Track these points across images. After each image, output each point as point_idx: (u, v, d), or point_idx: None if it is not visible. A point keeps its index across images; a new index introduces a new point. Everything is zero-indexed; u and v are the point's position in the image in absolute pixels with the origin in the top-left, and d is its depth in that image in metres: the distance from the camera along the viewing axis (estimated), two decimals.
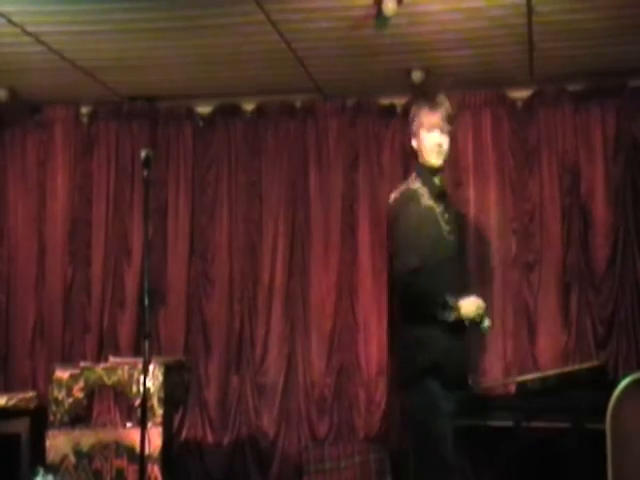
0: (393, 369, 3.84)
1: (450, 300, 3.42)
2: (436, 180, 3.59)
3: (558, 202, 5.54)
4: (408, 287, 3.48)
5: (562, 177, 5.56)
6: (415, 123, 3.59)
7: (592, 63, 5.25)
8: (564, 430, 4.20)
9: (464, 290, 3.57)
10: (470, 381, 3.66)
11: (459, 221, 3.71)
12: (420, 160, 3.62)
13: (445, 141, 3.55)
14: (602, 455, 3.47)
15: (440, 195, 3.57)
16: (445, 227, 3.53)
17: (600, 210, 5.47)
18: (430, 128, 3.52)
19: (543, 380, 4.62)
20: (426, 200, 3.52)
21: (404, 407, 4.31)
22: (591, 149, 5.53)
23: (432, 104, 3.57)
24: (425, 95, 3.72)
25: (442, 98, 3.60)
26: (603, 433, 3.49)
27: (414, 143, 3.62)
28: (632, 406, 3.48)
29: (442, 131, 3.53)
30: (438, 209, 3.53)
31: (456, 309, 3.42)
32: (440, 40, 4.89)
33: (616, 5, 4.42)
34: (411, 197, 3.53)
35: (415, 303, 3.50)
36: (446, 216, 3.55)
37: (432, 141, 3.53)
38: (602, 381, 4.49)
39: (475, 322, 3.51)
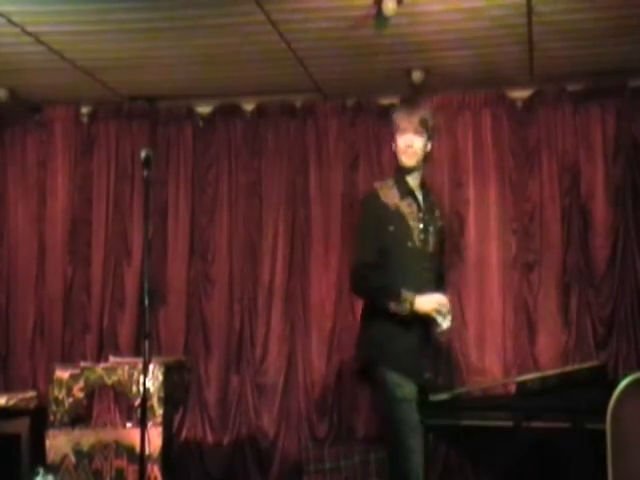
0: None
1: (405, 293, 3.51)
2: (409, 179, 3.73)
3: (558, 202, 5.54)
4: (359, 280, 3.67)
5: (562, 177, 5.56)
6: (393, 126, 3.78)
7: (592, 63, 5.25)
8: (564, 430, 4.19)
9: (430, 288, 3.62)
10: (426, 376, 3.66)
11: (437, 222, 3.79)
12: (397, 160, 3.80)
13: (418, 143, 3.68)
14: (602, 455, 3.47)
15: (409, 193, 3.70)
16: (413, 224, 3.65)
17: (600, 210, 5.47)
18: (403, 131, 3.69)
19: (543, 380, 4.62)
20: (390, 199, 3.68)
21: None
22: (591, 149, 5.53)
23: (407, 108, 3.82)
24: (406, 100, 3.99)
25: (418, 103, 3.89)
26: (603, 433, 3.49)
27: (393, 145, 3.81)
28: (632, 406, 3.48)
29: (415, 133, 3.66)
30: (407, 208, 3.67)
31: (410, 302, 3.51)
32: (440, 40, 4.89)
33: (616, 5, 4.42)
34: (369, 196, 3.78)
35: (367, 296, 3.71)
36: (420, 215, 3.68)
37: (403, 142, 3.69)
38: (602, 381, 4.49)
39: (432, 319, 3.56)
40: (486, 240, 5.59)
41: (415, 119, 3.68)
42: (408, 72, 5.32)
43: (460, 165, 5.64)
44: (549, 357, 5.40)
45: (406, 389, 3.53)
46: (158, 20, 4.62)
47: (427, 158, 3.78)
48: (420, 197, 3.74)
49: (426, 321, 3.59)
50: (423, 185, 3.79)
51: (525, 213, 5.58)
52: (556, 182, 5.56)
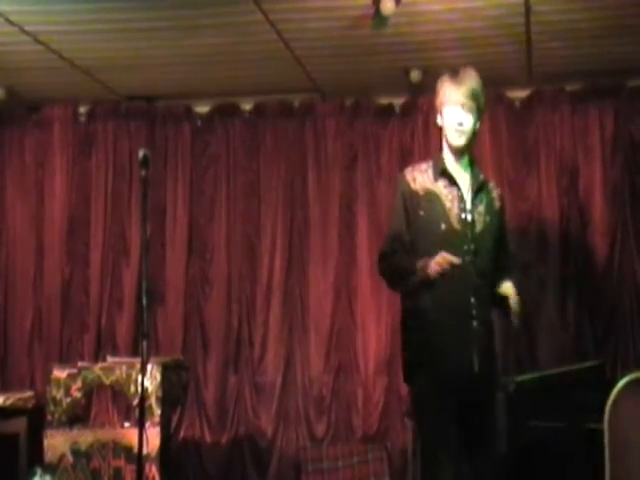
0: None
1: (419, 262, 3.18)
2: (451, 160, 3.33)
3: (556, 202, 5.54)
4: (379, 265, 3.46)
5: (560, 177, 5.56)
6: (437, 99, 3.33)
7: (590, 63, 5.25)
8: (563, 429, 4.20)
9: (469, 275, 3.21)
10: (476, 367, 3.19)
11: (492, 202, 3.38)
12: (444, 139, 3.37)
13: (467, 120, 3.23)
14: (600, 454, 3.47)
15: (444, 174, 3.32)
16: (450, 206, 3.26)
17: (598, 210, 5.47)
18: (452, 104, 3.24)
19: (541, 380, 4.62)
20: (420, 183, 3.32)
21: None
22: (589, 149, 5.53)
23: (456, 77, 3.27)
24: (451, 68, 3.36)
25: (468, 72, 3.30)
26: (601, 432, 3.49)
27: (438, 120, 3.38)
28: (630, 405, 3.48)
29: (464, 107, 3.22)
30: (442, 189, 3.29)
31: (419, 270, 3.16)
32: (438, 40, 4.88)
33: (614, 5, 4.42)
34: (398, 182, 3.45)
35: (387, 280, 3.48)
36: (459, 194, 3.28)
37: (453, 119, 3.24)
38: (600, 381, 4.49)
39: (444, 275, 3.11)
40: None
41: (466, 90, 3.22)
42: (406, 72, 5.32)
43: None
44: (547, 356, 5.40)
45: (438, 399, 3.15)
46: (156, 19, 4.62)
47: (476, 138, 3.40)
48: (465, 177, 3.33)
49: (466, 317, 3.20)
50: (472, 164, 3.38)
51: (523, 213, 5.58)
52: (554, 182, 5.56)
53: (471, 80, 3.27)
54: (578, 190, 5.53)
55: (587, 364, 4.83)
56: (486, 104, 3.41)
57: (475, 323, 3.21)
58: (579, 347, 5.37)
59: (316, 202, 5.86)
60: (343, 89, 5.80)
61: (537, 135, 5.62)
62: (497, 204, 3.43)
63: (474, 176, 3.37)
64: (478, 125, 3.32)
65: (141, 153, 3.61)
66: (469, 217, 3.28)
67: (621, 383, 3.54)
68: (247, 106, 6.03)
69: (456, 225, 3.26)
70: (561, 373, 4.66)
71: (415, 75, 5.32)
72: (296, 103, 5.97)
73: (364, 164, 5.82)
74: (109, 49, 5.04)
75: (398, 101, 5.82)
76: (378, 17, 4.42)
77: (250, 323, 5.85)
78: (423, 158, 5.79)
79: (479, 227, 3.29)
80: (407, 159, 5.74)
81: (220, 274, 5.90)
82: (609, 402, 3.51)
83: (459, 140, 3.26)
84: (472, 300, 3.21)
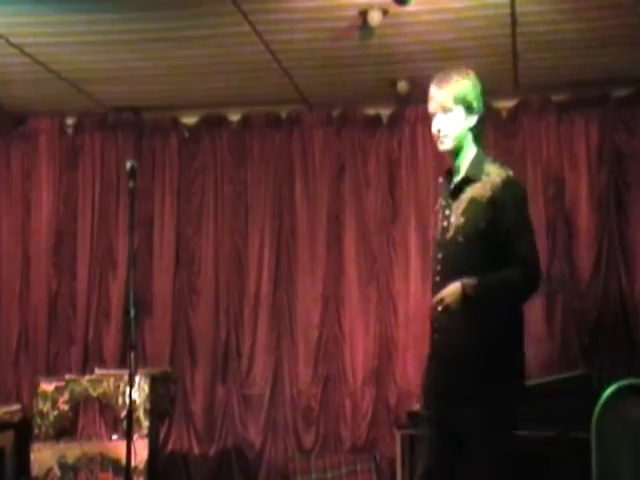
0: None
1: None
2: (456, 165, 3.10)
3: (542, 211, 5.56)
4: None
5: (546, 187, 5.58)
6: None
7: (576, 74, 5.29)
8: (549, 438, 4.20)
9: (447, 280, 2.94)
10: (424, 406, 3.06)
11: (471, 202, 3.00)
12: None
13: (447, 123, 3.03)
14: (586, 463, 3.48)
15: (447, 183, 3.14)
16: (442, 215, 3.10)
17: (584, 219, 5.50)
18: (431, 113, 3.09)
19: (528, 389, 4.63)
20: (443, 194, 3.16)
21: None
22: (575, 159, 5.56)
23: (431, 86, 3.10)
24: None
25: (444, 75, 3.10)
26: (588, 441, 3.50)
27: None
28: (616, 414, 3.49)
29: (444, 111, 3.04)
30: (448, 200, 3.10)
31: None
32: (425, 51, 4.91)
33: (599, 17, 4.45)
34: None
35: None
36: (449, 202, 3.08)
37: (433, 127, 3.09)
38: (587, 390, 4.51)
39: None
40: None
41: (441, 95, 3.04)
42: (393, 83, 5.34)
43: None
44: (534, 366, 5.39)
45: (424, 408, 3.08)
46: (143, 32, 4.62)
47: (479, 135, 3.11)
48: (456, 180, 3.09)
49: (432, 331, 3.04)
50: (468, 162, 3.09)
51: None
52: (540, 191, 5.58)
53: (447, 82, 3.07)
54: (564, 199, 5.56)
55: (573, 373, 4.85)
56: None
57: (436, 335, 3.04)
58: (566, 357, 5.38)
59: (304, 212, 5.87)
60: (330, 100, 5.82)
61: (523, 145, 5.65)
62: (487, 194, 2.97)
63: (460, 174, 3.09)
64: (470, 120, 3.05)
65: (129, 164, 3.61)
66: (445, 223, 3.07)
67: (608, 392, 3.55)
68: (234, 117, 6.03)
69: (439, 235, 3.10)
70: (547, 383, 4.68)
71: (402, 86, 5.34)
72: (283, 114, 5.98)
73: (351, 174, 5.83)
74: (96, 61, 5.04)
75: (385, 112, 5.84)
76: (365, 28, 4.44)
77: (238, 334, 5.84)
78: (410, 168, 5.88)
79: (450, 233, 3.03)
80: (394, 169, 5.77)
81: (208, 285, 5.89)
82: (596, 411, 3.52)
83: (442, 146, 3.09)
84: (436, 311, 2.98)
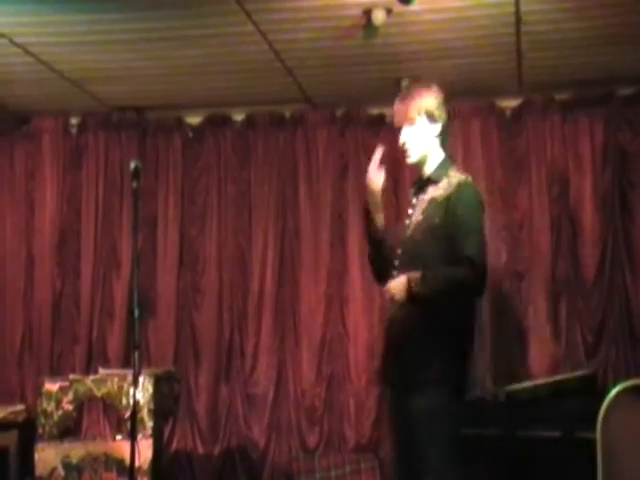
0: None
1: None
2: (423, 174, 3.26)
3: (547, 211, 5.55)
4: None
5: (551, 186, 5.57)
6: None
7: (580, 72, 5.27)
8: (554, 439, 4.20)
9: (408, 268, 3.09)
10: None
11: (429, 202, 3.18)
12: None
13: (410, 135, 3.19)
14: (592, 464, 3.47)
15: (414, 185, 3.34)
16: (409, 213, 3.25)
17: (589, 219, 5.48)
18: (397, 123, 3.24)
19: (533, 389, 4.62)
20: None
21: None
22: (579, 158, 5.54)
23: (400, 96, 3.26)
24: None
25: (406, 92, 3.27)
26: (593, 442, 3.49)
27: None
28: (622, 415, 3.48)
29: (407, 124, 3.19)
30: (413, 200, 3.29)
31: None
32: (429, 50, 4.90)
33: (603, 15, 4.44)
34: None
35: None
36: (414, 202, 3.26)
37: (400, 140, 3.23)
38: (592, 390, 4.50)
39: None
40: None
41: (401, 109, 3.21)
42: (397, 82, 5.33)
43: None
44: (539, 366, 5.40)
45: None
46: (146, 31, 4.62)
47: (444, 141, 3.25)
48: (421, 182, 3.27)
49: (398, 318, 3.14)
50: (437, 173, 3.22)
51: (514, 222, 5.59)
52: (545, 191, 5.57)
53: (409, 96, 3.22)
54: (569, 199, 5.54)
55: (578, 374, 4.84)
56: (445, 108, 3.23)
57: (387, 324, 3.23)
58: (570, 356, 5.37)
59: (307, 212, 5.86)
60: (334, 99, 5.81)
61: (527, 144, 5.63)
62: (444, 194, 3.13)
63: (425, 177, 3.25)
64: (434, 130, 3.20)
65: (132, 164, 3.60)
66: (408, 222, 3.24)
67: (613, 392, 3.54)
68: (238, 117, 6.03)
69: (403, 237, 3.23)
70: (552, 383, 4.67)
71: (406, 85, 5.32)
72: (287, 113, 5.97)
73: (355, 174, 5.82)
74: (99, 60, 5.04)
75: (389, 111, 5.76)
76: (369, 27, 4.43)
77: (242, 333, 5.84)
78: (413, 167, 5.86)
79: (410, 230, 3.21)
80: (398, 169, 5.75)
81: (211, 284, 5.89)
82: (601, 411, 3.51)
83: (409, 159, 3.26)
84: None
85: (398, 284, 3.03)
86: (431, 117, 3.18)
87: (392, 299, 3.05)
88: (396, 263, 3.19)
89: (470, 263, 3.01)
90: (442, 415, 2.99)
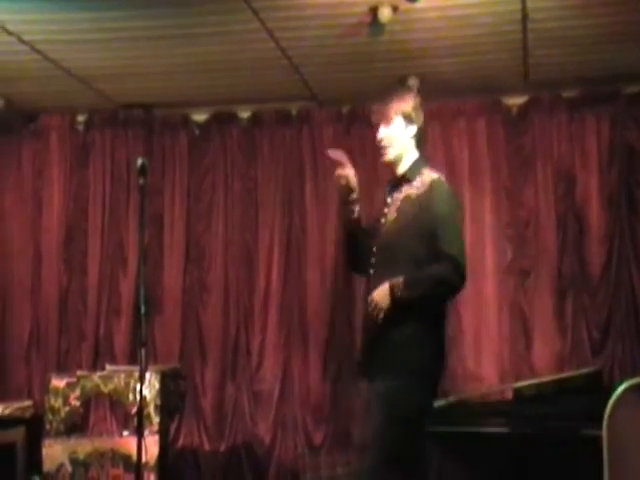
0: None
1: None
2: (397, 173, 3.36)
3: (553, 208, 5.55)
4: None
5: (557, 184, 5.57)
6: None
7: (587, 70, 5.27)
8: (560, 436, 4.19)
9: (376, 281, 3.17)
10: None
11: (402, 201, 3.26)
12: None
13: (384, 133, 3.31)
14: (598, 461, 3.47)
15: (389, 184, 3.41)
16: (384, 212, 3.31)
17: (595, 216, 5.48)
18: (375, 121, 3.37)
19: (539, 386, 4.62)
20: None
21: None
22: (586, 156, 5.54)
23: (380, 97, 3.41)
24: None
25: (391, 89, 3.47)
26: (599, 439, 3.49)
27: None
28: (629, 412, 3.48)
29: (383, 123, 3.32)
30: (388, 199, 3.35)
31: None
32: (435, 47, 4.90)
33: (610, 12, 4.44)
34: None
35: None
36: (389, 201, 3.32)
37: (377, 136, 3.36)
38: (597, 387, 4.49)
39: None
40: (481, 246, 5.59)
41: (377, 109, 3.36)
42: (403, 79, 5.33)
43: (455, 171, 5.63)
44: (545, 363, 5.40)
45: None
46: (154, 28, 4.63)
47: (419, 143, 3.35)
48: (397, 187, 3.32)
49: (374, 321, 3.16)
50: (411, 171, 3.31)
51: (520, 219, 5.59)
52: (551, 188, 5.57)
53: (388, 97, 3.35)
54: (575, 197, 5.54)
55: (584, 371, 4.83)
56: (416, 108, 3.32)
57: (364, 319, 3.30)
58: (577, 353, 5.37)
59: (313, 209, 5.87)
60: (340, 97, 5.81)
61: (534, 142, 5.63)
62: (417, 192, 3.23)
63: (404, 183, 3.31)
64: (410, 130, 3.30)
65: (139, 161, 3.61)
66: (383, 220, 3.31)
67: (620, 389, 3.53)
68: (244, 114, 6.04)
69: (379, 234, 3.29)
70: (558, 380, 4.67)
71: (412, 82, 5.33)
72: (293, 111, 5.98)
73: (361, 172, 5.77)
74: (106, 58, 5.05)
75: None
76: (375, 25, 4.43)
77: (248, 330, 5.85)
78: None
79: (385, 228, 3.29)
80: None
81: (218, 281, 5.90)
82: (608, 408, 3.50)
83: (384, 157, 3.37)
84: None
85: (381, 292, 3.11)
86: (407, 118, 3.31)
87: (376, 307, 3.10)
88: (372, 260, 3.28)
89: (451, 261, 3.09)
90: (394, 397, 3.05)
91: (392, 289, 3.09)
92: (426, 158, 3.41)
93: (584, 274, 5.46)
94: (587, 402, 4.10)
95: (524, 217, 5.60)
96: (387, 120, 3.32)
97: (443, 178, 3.29)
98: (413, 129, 3.33)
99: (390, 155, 3.34)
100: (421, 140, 3.38)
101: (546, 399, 4.44)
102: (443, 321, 3.26)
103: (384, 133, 3.33)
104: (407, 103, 3.32)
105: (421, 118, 3.34)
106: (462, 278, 3.12)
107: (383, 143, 3.34)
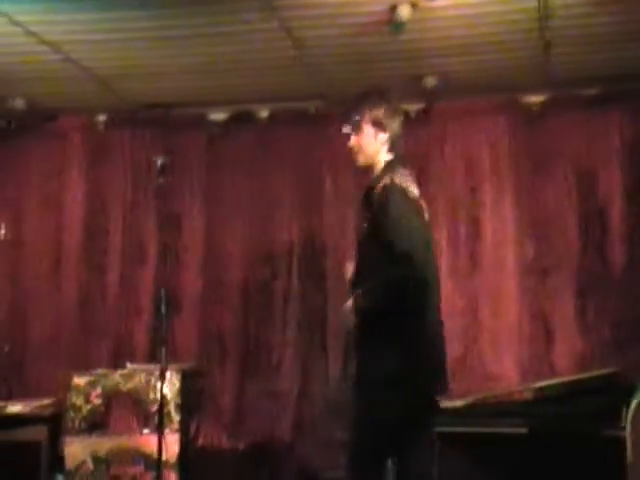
0: None
1: None
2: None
3: (575, 207, 5.51)
4: None
5: (578, 182, 5.53)
6: None
7: (607, 68, 5.22)
8: (579, 436, 4.17)
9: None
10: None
11: (369, 210, 3.32)
12: None
13: (355, 142, 3.38)
14: (618, 462, 3.45)
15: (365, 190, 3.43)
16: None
17: (617, 215, 5.44)
18: (345, 130, 3.42)
19: (559, 386, 4.60)
20: None
21: None
22: (607, 154, 5.50)
23: (350, 103, 3.48)
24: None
25: (362, 95, 3.47)
26: (618, 440, 3.47)
27: None
28: None
29: (356, 131, 3.36)
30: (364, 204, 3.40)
31: None
32: (453, 46, 4.88)
33: (631, 10, 4.40)
34: None
35: None
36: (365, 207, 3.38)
37: (349, 144, 3.42)
38: (617, 388, 4.47)
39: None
40: (502, 245, 5.57)
41: (352, 118, 3.38)
42: (421, 78, 5.31)
43: (476, 170, 5.63)
44: (566, 363, 5.37)
45: None
46: (172, 28, 4.65)
47: (393, 146, 3.39)
48: (369, 192, 3.36)
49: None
50: (377, 179, 3.35)
51: (542, 218, 5.56)
52: (573, 187, 5.53)
53: (358, 104, 3.38)
54: (596, 195, 5.51)
55: (604, 372, 4.80)
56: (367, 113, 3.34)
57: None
58: (598, 353, 5.33)
59: (332, 208, 5.86)
60: None
61: (554, 140, 5.59)
62: (377, 199, 3.26)
63: (372, 193, 3.33)
64: (381, 138, 3.35)
65: (160, 161, 3.64)
66: (361, 225, 3.38)
67: None
68: (262, 114, 6.04)
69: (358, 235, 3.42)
70: (578, 380, 4.64)
71: (430, 82, 5.31)
72: (311, 110, 5.97)
73: None
74: (126, 58, 5.08)
75: (412, 108, 5.80)
76: (396, 23, 4.42)
77: (267, 330, 5.85)
78: (439, 163, 5.86)
79: (359, 238, 3.37)
80: (423, 165, 5.73)
81: (236, 281, 5.91)
82: (631, 409, 3.48)
83: (357, 163, 3.42)
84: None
85: (345, 307, 3.21)
86: (378, 126, 3.32)
87: (345, 319, 3.21)
88: (352, 267, 3.36)
89: (404, 260, 3.06)
90: (369, 405, 3.13)
91: (354, 302, 3.17)
92: (401, 160, 3.39)
93: (606, 273, 5.42)
94: (606, 403, 4.08)
95: (545, 215, 5.57)
96: (357, 130, 3.34)
97: (398, 179, 3.25)
98: (384, 136, 3.34)
99: (360, 161, 3.40)
100: (395, 144, 3.38)
101: (566, 399, 4.42)
102: (417, 322, 3.15)
103: (354, 141, 3.36)
104: (378, 110, 3.34)
105: (395, 123, 3.36)
106: (419, 274, 3.08)
107: (354, 151, 3.38)
